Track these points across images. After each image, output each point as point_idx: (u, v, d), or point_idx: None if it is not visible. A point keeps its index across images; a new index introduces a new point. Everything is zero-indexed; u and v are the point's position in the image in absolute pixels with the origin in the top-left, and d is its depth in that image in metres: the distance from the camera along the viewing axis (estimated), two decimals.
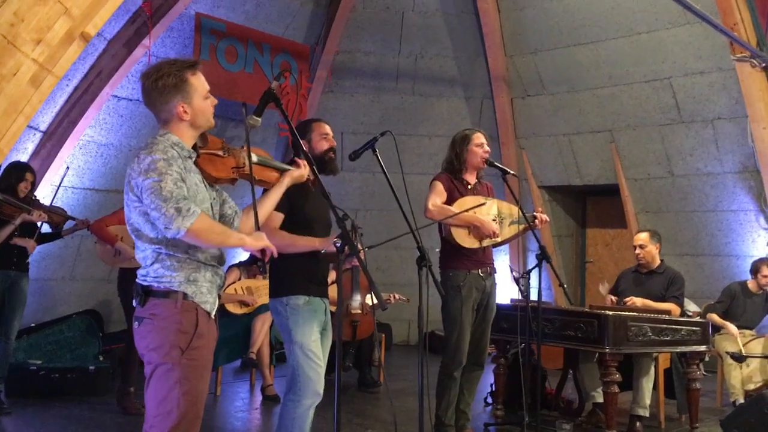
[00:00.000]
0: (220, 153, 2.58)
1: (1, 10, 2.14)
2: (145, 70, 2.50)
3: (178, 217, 2.30)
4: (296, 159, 2.98)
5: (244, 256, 7.38)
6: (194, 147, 2.55)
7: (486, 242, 4.34)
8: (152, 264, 2.43)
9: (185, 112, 2.47)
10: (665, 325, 4.67)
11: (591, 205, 9.33)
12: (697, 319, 5.19)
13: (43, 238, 5.51)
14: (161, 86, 2.43)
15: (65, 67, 2.37)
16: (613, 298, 5.37)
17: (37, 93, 2.29)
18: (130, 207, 2.45)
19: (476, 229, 4.28)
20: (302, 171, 2.88)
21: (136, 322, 2.44)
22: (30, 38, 2.24)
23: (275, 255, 2.53)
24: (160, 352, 2.38)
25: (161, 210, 2.30)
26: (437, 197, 4.31)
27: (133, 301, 2.48)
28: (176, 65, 2.47)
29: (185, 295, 2.42)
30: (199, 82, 2.50)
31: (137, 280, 2.49)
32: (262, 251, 2.50)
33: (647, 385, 4.88)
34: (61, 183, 5.95)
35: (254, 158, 2.69)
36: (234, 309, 5.97)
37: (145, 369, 2.45)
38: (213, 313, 2.53)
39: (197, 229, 2.34)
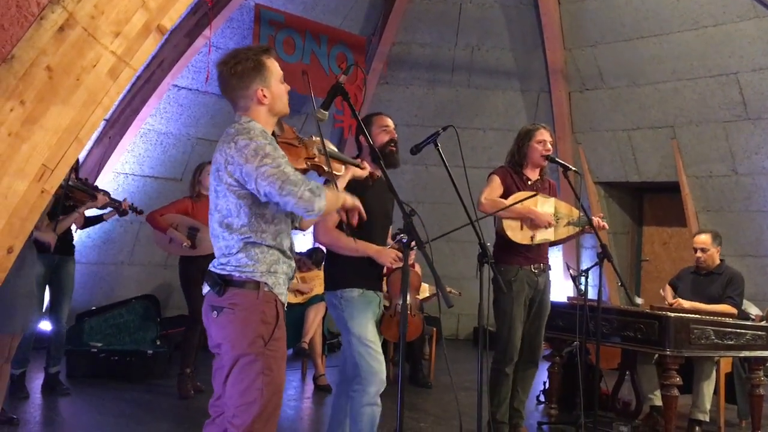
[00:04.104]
0: (295, 143, 2.59)
1: (82, 3, 2.19)
2: (221, 58, 2.52)
3: (316, 198, 2.34)
4: (360, 158, 3.04)
5: (299, 247, 7.46)
6: (273, 134, 2.56)
7: (538, 239, 4.27)
8: (237, 253, 2.43)
9: (264, 96, 2.48)
10: (729, 329, 4.53)
11: (648, 202, 9.11)
12: (763, 323, 5.02)
13: (87, 222, 5.51)
14: (240, 71, 2.45)
15: (142, 59, 2.41)
16: (672, 301, 5.23)
17: (114, 85, 2.33)
18: (221, 194, 2.44)
19: (531, 222, 4.21)
20: (363, 172, 2.93)
21: (215, 312, 2.44)
22: (109, 31, 2.29)
23: (364, 217, 2.64)
24: (243, 343, 2.39)
25: (296, 194, 2.30)
26: (492, 191, 4.26)
27: (206, 289, 2.49)
28: (252, 50, 2.50)
29: (266, 285, 2.44)
30: (274, 66, 2.53)
31: (213, 269, 2.48)
32: (347, 213, 2.62)
33: (708, 389, 4.76)
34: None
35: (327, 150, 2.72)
36: (288, 298, 6.02)
37: (223, 358, 2.45)
38: (285, 305, 2.56)
39: (329, 204, 2.40)
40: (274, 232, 2.46)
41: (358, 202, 2.65)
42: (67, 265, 5.26)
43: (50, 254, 4.90)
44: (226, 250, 2.46)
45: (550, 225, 4.25)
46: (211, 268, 2.50)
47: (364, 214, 2.66)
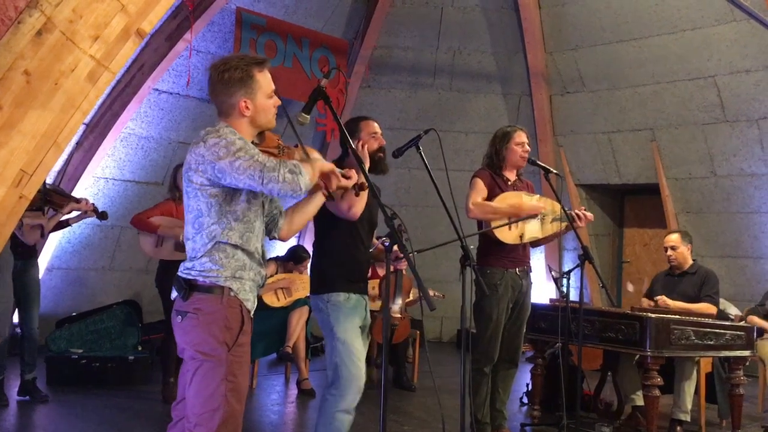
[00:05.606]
0: (275, 152, 2.56)
1: (60, 7, 2.18)
2: (214, 61, 2.50)
3: (299, 177, 2.34)
4: (347, 168, 2.96)
5: (281, 251, 7.44)
6: (252, 144, 2.54)
7: (527, 238, 4.29)
8: (201, 257, 2.41)
9: (247, 107, 2.47)
10: (709, 329, 4.57)
11: (629, 204, 9.20)
12: (742, 323, 5.08)
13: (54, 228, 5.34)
14: (227, 78, 2.43)
15: (121, 63, 2.39)
16: (650, 302, 5.27)
17: (94, 89, 2.32)
18: (191, 195, 2.43)
19: (519, 215, 4.22)
20: (349, 182, 2.68)
21: (179, 317, 2.42)
22: (88, 35, 2.27)
23: (360, 181, 2.64)
24: (206, 348, 2.36)
25: (277, 180, 2.29)
26: (478, 195, 4.27)
27: (173, 293, 2.47)
28: (245, 60, 2.47)
29: (230, 290, 2.41)
30: (265, 80, 2.50)
31: (179, 273, 2.46)
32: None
33: (689, 389, 4.79)
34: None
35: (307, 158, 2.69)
36: (271, 301, 5.99)
37: (187, 364, 2.43)
38: (252, 312, 2.53)
39: (311, 177, 2.40)
40: (242, 230, 2.44)
41: (331, 164, 2.61)
42: (31, 270, 5.14)
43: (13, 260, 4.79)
44: (192, 253, 2.45)
45: (539, 212, 4.26)
46: (178, 272, 2.48)
47: (339, 175, 2.58)
